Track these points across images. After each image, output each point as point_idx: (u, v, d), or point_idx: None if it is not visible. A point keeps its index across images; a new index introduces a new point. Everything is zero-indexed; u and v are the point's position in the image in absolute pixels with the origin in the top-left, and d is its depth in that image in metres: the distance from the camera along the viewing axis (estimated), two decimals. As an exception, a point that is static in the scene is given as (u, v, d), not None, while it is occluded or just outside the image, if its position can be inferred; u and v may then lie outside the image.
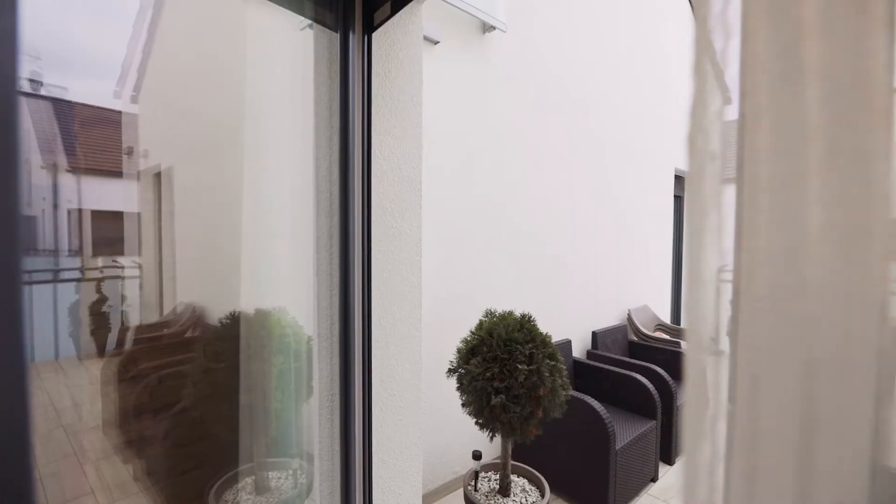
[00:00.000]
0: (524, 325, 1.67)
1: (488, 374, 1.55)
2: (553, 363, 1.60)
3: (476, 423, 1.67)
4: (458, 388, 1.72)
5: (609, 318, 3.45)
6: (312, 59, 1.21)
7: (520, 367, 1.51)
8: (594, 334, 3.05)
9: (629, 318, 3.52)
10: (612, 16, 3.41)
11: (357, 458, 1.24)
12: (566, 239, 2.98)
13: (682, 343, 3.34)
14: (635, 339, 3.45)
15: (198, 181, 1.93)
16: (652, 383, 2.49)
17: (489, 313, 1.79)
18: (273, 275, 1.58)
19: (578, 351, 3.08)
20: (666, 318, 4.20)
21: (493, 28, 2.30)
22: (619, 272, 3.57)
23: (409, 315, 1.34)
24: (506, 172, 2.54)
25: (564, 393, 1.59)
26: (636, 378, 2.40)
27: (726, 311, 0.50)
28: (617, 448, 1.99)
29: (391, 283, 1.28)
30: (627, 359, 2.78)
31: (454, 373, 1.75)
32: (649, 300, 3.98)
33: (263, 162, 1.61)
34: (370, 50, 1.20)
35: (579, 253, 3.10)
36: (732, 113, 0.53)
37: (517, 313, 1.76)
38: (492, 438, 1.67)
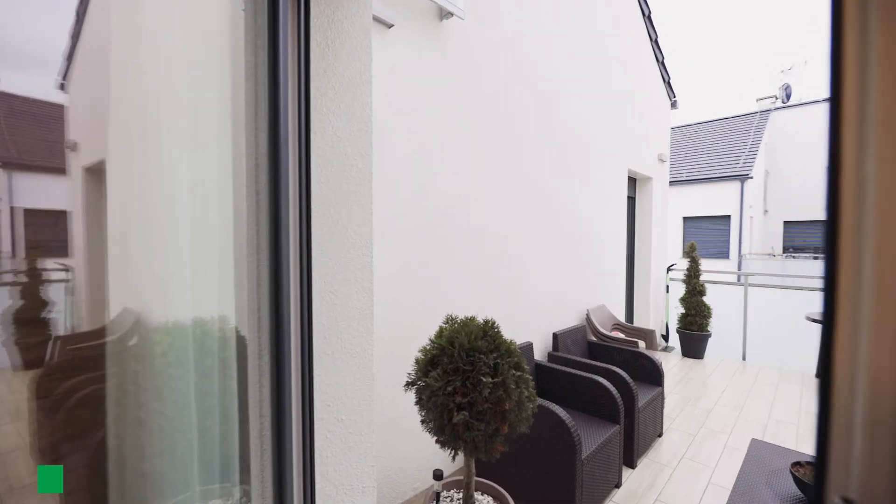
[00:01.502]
0: (488, 333, 1.54)
1: (449, 389, 1.40)
2: (519, 373, 1.48)
3: (437, 441, 1.51)
4: (417, 403, 1.55)
5: (569, 319, 3.43)
6: (242, 28, 1.00)
7: (484, 379, 1.37)
8: (555, 336, 3.00)
9: (588, 318, 3.53)
10: (572, 16, 3.41)
11: (295, 496, 1.04)
12: (528, 238, 2.91)
13: (640, 343, 3.40)
14: (594, 339, 3.46)
15: (125, 176, 1.64)
16: (614, 386, 2.46)
17: (450, 319, 1.64)
18: (195, 280, 1.34)
19: (540, 353, 3.01)
20: (621, 317, 4.28)
21: (451, 14, 2.17)
22: (579, 272, 3.57)
23: (359, 325, 1.16)
24: (467, 169, 2.42)
25: (531, 405, 1.48)
26: (599, 381, 2.36)
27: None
28: (583, 457, 1.91)
29: (336, 290, 1.09)
30: (588, 360, 2.75)
31: (412, 386, 1.58)
32: (606, 300, 4.03)
33: (186, 152, 1.37)
34: (307, 13, 1.01)
35: (541, 252, 3.05)
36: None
37: (480, 319, 1.63)
38: (454, 458, 1.52)
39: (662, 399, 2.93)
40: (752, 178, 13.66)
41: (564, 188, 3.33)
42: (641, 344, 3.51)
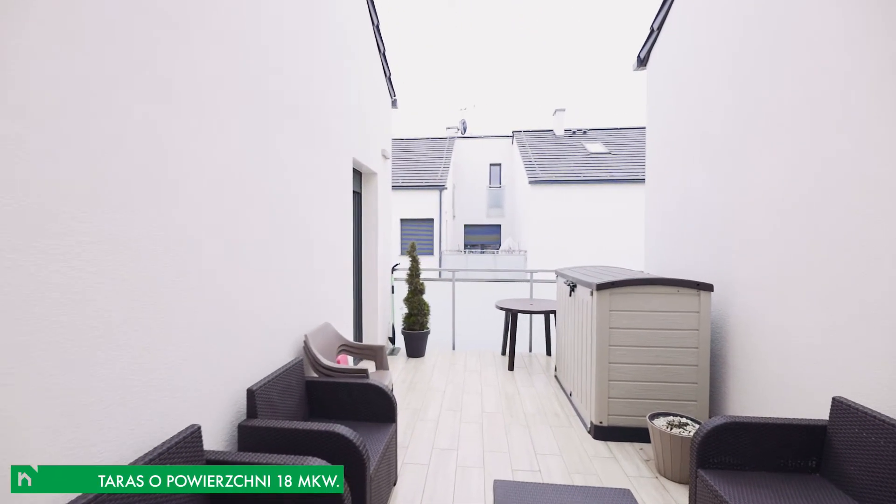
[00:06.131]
0: None
1: None
2: None
3: None
4: None
5: (281, 355, 2.38)
6: None
7: None
8: (251, 394, 1.88)
9: (306, 348, 2.59)
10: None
11: None
12: (213, 250, 1.66)
13: (370, 365, 2.77)
14: (315, 375, 2.57)
15: None
16: (340, 457, 1.64)
17: None
18: None
19: (222, 436, 1.81)
20: (349, 331, 3.60)
21: None
22: (298, 285, 2.57)
23: None
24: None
25: None
26: (315, 467, 1.46)
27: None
28: None
29: None
30: (302, 426, 1.80)
31: None
32: (331, 315, 3.23)
33: None
34: None
35: (246, 264, 1.85)
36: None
37: None
38: None
39: (396, 436, 2.38)
40: (446, 188, 16.70)
41: (277, 173, 2.24)
42: (371, 366, 2.91)
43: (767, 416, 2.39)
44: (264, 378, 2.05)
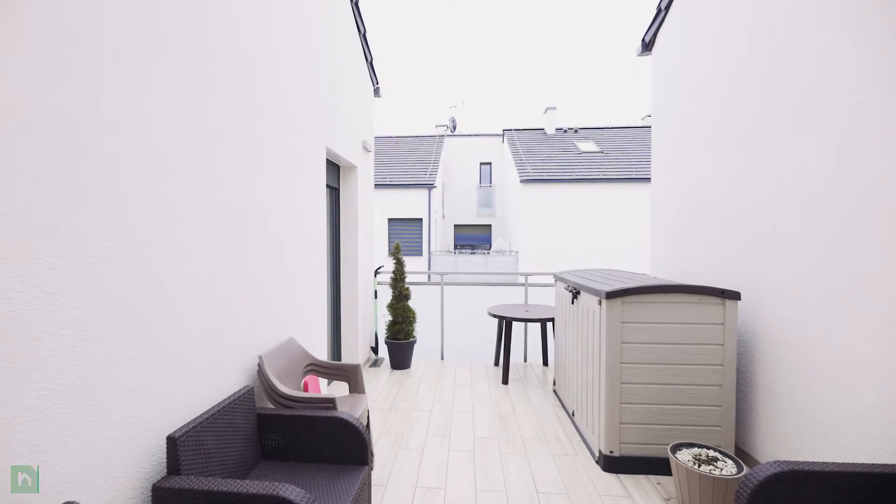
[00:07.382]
0: None
1: None
2: None
3: None
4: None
5: (225, 384, 1.93)
6: None
7: None
8: (172, 442, 1.43)
9: (260, 372, 2.14)
10: None
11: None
12: (125, 246, 1.21)
13: (343, 389, 2.33)
14: (271, 406, 2.12)
15: None
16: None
17: None
18: None
19: (127, 500, 1.36)
20: (322, 351, 3.13)
21: None
22: (248, 296, 2.12)
23: None
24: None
25: None
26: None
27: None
28: None
29: None
30: (234, 487, 1.36)
31: None
32: (298, 329, 2.78)
33: None
34: None
35: (157, 274, 1.41)
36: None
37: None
38: None
39: (369, 483, 1.95)
40: (435, 187, 16.27)
41: (226, 155, 1.79)
42: (343, 389, 2.47)
43: (811, 450, 2.03)
44: (196, 418, 1.59)
